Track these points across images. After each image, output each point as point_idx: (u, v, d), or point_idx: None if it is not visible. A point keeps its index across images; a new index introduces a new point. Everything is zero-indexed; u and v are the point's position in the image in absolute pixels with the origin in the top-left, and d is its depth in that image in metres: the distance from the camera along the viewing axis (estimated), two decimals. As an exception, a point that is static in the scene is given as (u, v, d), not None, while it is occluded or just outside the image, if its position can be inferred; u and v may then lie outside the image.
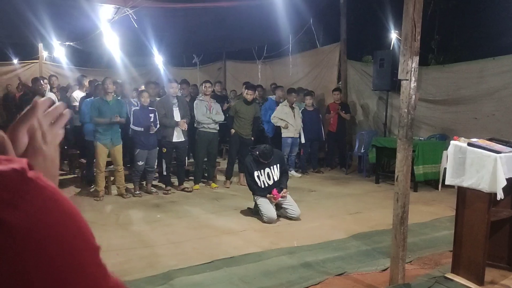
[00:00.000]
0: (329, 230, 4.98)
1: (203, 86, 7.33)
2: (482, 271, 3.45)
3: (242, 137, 7.31)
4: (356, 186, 7.57)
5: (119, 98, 6.92)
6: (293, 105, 8.20)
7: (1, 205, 0.43)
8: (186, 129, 6.84)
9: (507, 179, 3.28)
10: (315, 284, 3.52)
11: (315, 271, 3.78)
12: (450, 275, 3.61)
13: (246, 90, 7.42)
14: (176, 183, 7.19)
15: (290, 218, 5.44)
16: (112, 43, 9.07)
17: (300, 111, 8.45)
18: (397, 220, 3.38)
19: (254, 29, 9.33)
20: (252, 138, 7.42)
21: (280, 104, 8.32)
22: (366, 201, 6.47)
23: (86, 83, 8.39)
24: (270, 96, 9.22)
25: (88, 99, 7.17)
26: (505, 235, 3.74)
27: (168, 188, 6.97)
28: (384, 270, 3.77)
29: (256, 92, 9.47)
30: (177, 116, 6.78)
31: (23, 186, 0.45)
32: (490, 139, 3.67)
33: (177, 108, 6.81)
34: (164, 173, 7.13)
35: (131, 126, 6.57)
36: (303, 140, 8.42)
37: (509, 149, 3.48)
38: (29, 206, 0.45)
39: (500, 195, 3.25)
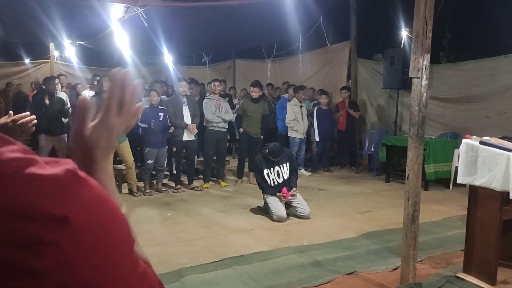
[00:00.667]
0: (339, 229, 4.97)
1: (212, 84, 7.34)
2: (494, 271, 3.41)
3: (251, 136, 7.32)
4: (366, 185, 7.54)
5: None
6: (302, 105, 8.17)
7: (63, 203, 0.46)
8: (195, 133, 6.87)
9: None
10: (325, 283, 3.52)
11: (325, 270, 3.77)
12: (462, 275, 3.58)
13: (252, 87, 7.44)
14: (186, 181, 7.22)
15: (300, 217, 5.43)
16: (122, 42, 9.13)
17: (315, 110, 8.43)
18: (408, 219, 3.36)
19: (264, 27, 9.32)
20: (261, 137, 7.42)
21: (289, 104, 8.30)
22: (376, 200, 6.44)
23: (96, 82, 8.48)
24: (284, 95, 9.22)
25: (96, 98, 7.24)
26: (518, 234, 3.70)
27: (178, 186, 7.01)
28: (394, 269, 3.75)
29: (266, 90, 9.49)
30: (186, 115, 6.80)
31: (78, 185, 0.49)
32: (503, 138, 3.62)
33: (187, 107, 6.83)
34: (174, 172, 7.16)
35: (138, 123, 6.58)
36: (317, 138, 8.40)
37: (522, 147, 3.44)
38: (84, 203, 0.48)
39: (513, 194, 3.21)
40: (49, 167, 0.48)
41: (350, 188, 7.23)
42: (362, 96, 9.61)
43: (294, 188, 5.55)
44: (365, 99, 9.59)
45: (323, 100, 8.58)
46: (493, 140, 3.51)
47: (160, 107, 6.76)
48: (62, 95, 7.50)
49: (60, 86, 8.33)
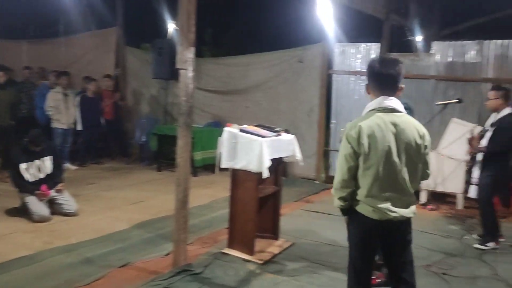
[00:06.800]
0: (111, 222, 4.82)
1: None
2: (253, 243, 3.88)
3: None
4: (137, 175, 7.52)
5: None
6: (66, 92, 7.56)
7: None
8: None
9: (271, 160, 3.77)
10: (98, 279, 3.36)
11: (97, 266, 3.61)
12: (227, 250, 3.95)
13: None
14: None
15: (67, 214, 5.01)
16: None
17: (79, 97, 7.87)
18: (178, 204, 3.50)
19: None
20: (12, 122, 6.65)
21: (52, 90, 7.58)
22: (148, 189, 6.50)
23: None
24: (44, 81, 8.28)
25: None
26: (270, 209, 4.30)
27: None
28: (167, 254, 3.85)
29: (23, 73, 8.46)
30: None
31: None
32: (257, 125, 4.13)
33: None
34: None
35: None
36: (79, 128, 7.86)
37: (272, 133, 4.01)
38: None
39: (265, 174, 3.70)
40: None
41: (121, 180, 7.08)
42: (132, 85, 9.48)
43: (60, 184, 5.10)
44: (135, 88, 9.48)
45: (92, 87, 8.11)
46: (250, 127, 3.97)
47: None
48: None
49: None
